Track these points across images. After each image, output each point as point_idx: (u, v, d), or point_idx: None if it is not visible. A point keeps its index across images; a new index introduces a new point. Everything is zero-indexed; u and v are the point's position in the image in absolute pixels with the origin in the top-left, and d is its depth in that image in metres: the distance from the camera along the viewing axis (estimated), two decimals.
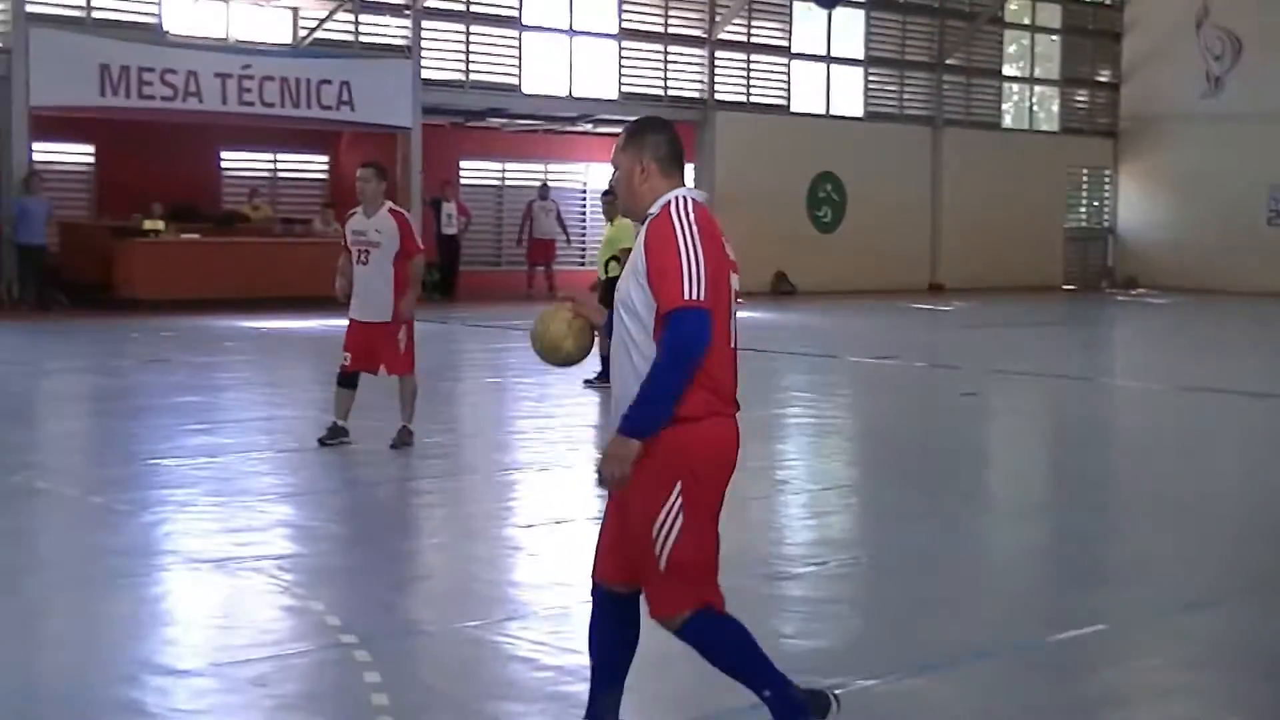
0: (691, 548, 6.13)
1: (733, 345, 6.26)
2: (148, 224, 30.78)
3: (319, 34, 33.97)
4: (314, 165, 38.24)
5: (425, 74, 35.49)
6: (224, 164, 36.00)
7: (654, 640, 6.56)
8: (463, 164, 38.51)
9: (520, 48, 37.30)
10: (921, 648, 8.41)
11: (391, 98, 34.52)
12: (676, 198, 6.19)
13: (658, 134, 6.34)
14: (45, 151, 31.68)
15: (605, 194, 19.95)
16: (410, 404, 14.24)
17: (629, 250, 6.58)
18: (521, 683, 7.65)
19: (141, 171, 31.66)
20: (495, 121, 38.58)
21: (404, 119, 34.75)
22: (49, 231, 30.52)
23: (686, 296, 5.91)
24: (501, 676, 7.79)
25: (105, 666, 7.88)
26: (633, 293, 6.09)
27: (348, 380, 14.19)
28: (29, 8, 30.42)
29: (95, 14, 31.52)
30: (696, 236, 6.02)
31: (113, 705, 7.22)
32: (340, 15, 34.04)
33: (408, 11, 35.36)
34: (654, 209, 6.20)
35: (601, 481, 6.15)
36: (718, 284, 6.04)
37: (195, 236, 31.12)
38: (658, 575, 6.14)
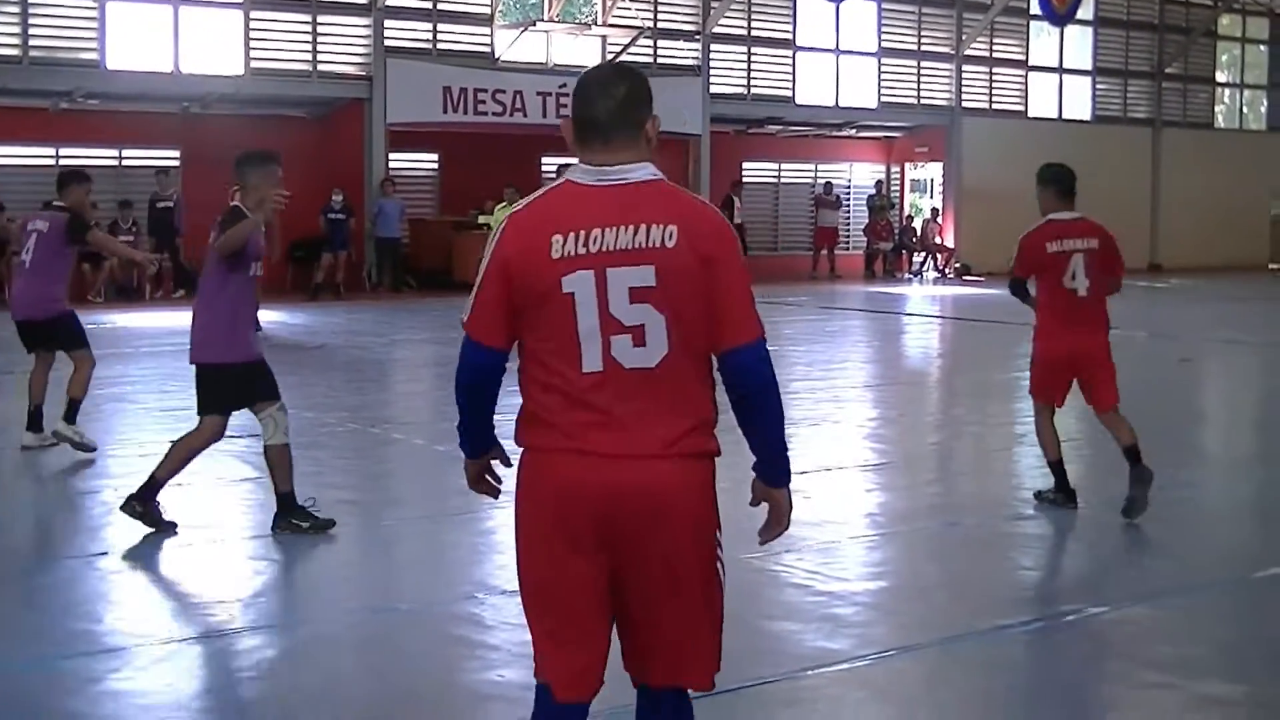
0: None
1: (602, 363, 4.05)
2: (482, 219, 31.32)
3: (623, 57, 34.20)
4: None
5: (713, 89, 35.55)
6: (544, 168, 36.38)
7: None
8: (745, 165, 38.44)
9: (794, 65, 37.16)
10: (1143, 581, 8.24)
11: (684, 110, 34.62)
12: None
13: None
14: (399, 160, 32.37)
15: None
16: None
17: None
18: (798, 605, 7.65)
19: (476, 175, 32.16)
20: (772, 128, 38.48)
21: (695, 128, 34.84)
22: (402, 227, 31.32)
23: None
24: (780, 599, 7.78)
25: (449, 586, 8.03)
26: None
27: None
28: (386, 42, 31.17)
29: (440, 45, 32.15)
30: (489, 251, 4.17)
31: (456, 618, 7.34)
32: (641, 41, 34.24)
33: (698, 36, 35.45)
34: None
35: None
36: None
37: None
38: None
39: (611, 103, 4.11)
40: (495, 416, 4.36)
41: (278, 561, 8.51)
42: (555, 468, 4.06)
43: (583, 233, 4.01)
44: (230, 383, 9.04)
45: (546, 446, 4.08)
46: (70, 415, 11.93)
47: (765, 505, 4.32)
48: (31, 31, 28.05)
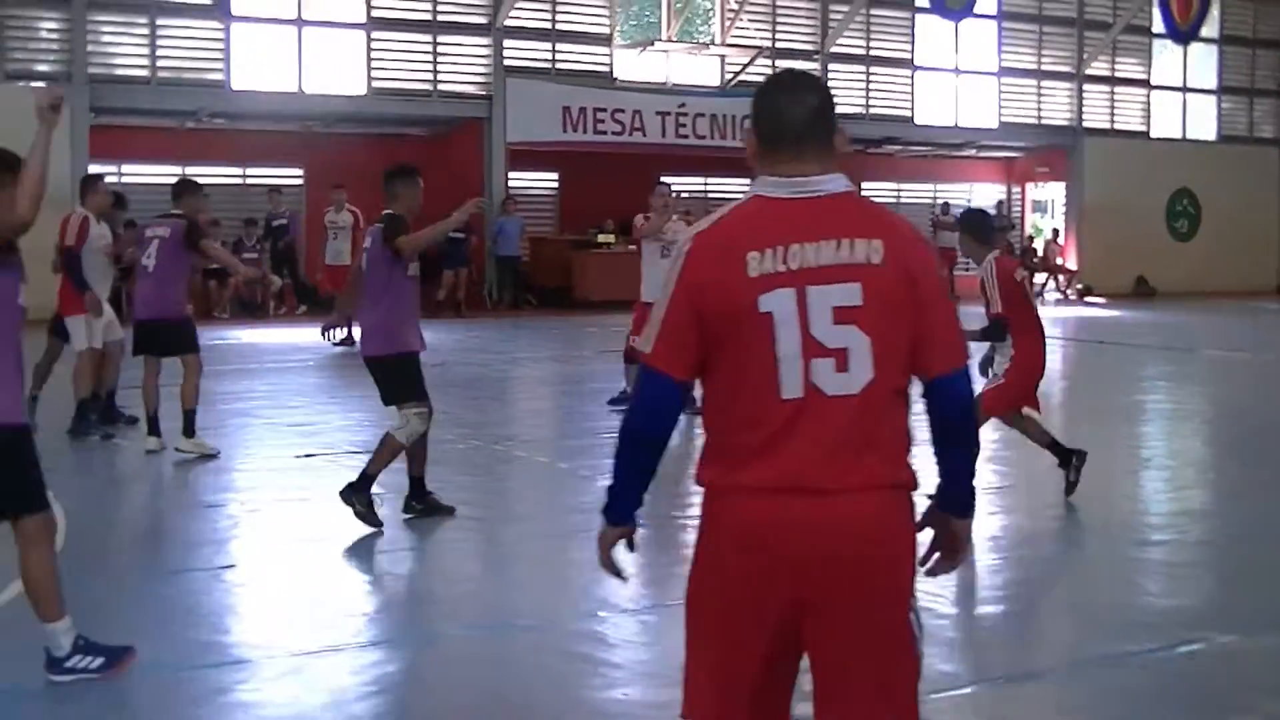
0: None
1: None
2: (600, 238, 31.47)
3: (742, 77, 34.24)
4: (738, 188, 38.40)
5: None
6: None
7: None
8: (864, 186, 38.26)
9: (913, 84, 37.02)
10: (1273, 608, 8.08)
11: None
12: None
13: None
14: (518, 179, 32.59)
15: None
16: None
17: None
18: None
19: (595, 194, 32.29)
20: (891, 149, 38.33)
21: None
22: (522, 245, 31.53)
23: None
24: None
25: (571, 604, 8.04)
26: None
27: None
28: (506, 62, 31.43)
29: (559, 65, 32.38)
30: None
31: (578, 635, 7.35)
32: (759, 61, 34.26)
33: (816, 56, 35.39)
34: None
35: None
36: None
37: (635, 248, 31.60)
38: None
39: (805, 110, 3.84)
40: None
41: (401, 576, 8.59)
42: (744, 508, 3.74)
43: (781, 248, 3.69)
44: (414, 370, 9.69)
45: (734, 485, 3.76)
46: (189, 428, 12.36)
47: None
48: (159, 53, 28.56)
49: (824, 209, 3.77)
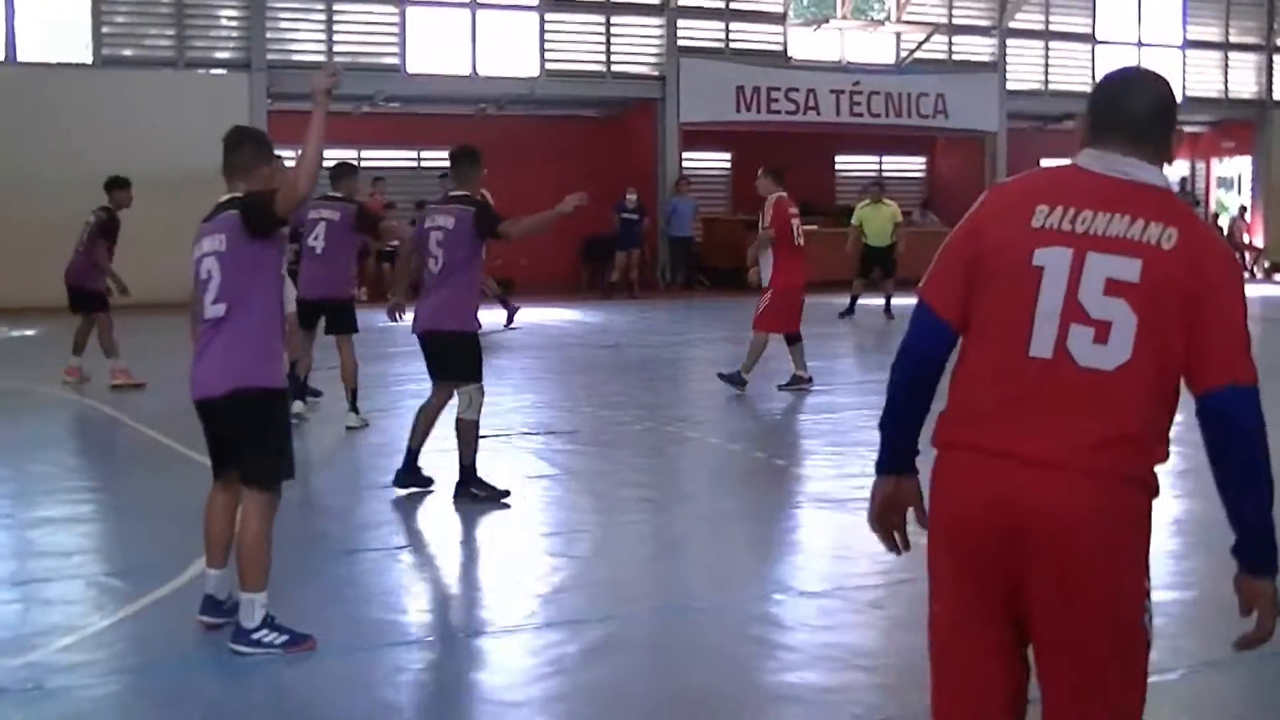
0: None
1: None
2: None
3: (918, 54, 33.92)
4: (913, 166, 38.19)
5: (1010, 85, 35.00)
6: (838, 166, 36.36)
7: None
8: (1043, 163, 37.65)
9: (1093, 59, 36.35)
10: None
11: (980, 106, 34.20)
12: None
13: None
14: (691, 159, 32.64)
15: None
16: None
17: None
18: None
19: None
20: (1071, 125, 37.69)
21: (991, 124, 34.40)
22: (695, 226, 31.55)
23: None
24: None
25: (746, 585, 8.03)
26: None
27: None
28: (679, 42, 31.43)
29: (732, 44, 32.31)
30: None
31: (753, 617, 7.33)
32: (936, 37, 33.92)
33: (994, 32, 34.93)
34: None
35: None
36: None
37: (814, 228, 31.45)
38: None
39: (1148, 102, 3.72)
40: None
41: (575, 558, 8.62)
42: (963, 466, 3.62)
43: (1072, 210, 3.60)
44: (479, 348, 10.08)
45: (960, 442, 3.63)
46: (354, 403, 13.05)
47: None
48: (336, 38, 29.00)
49: (1130, 190, 3.63)
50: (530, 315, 23.81)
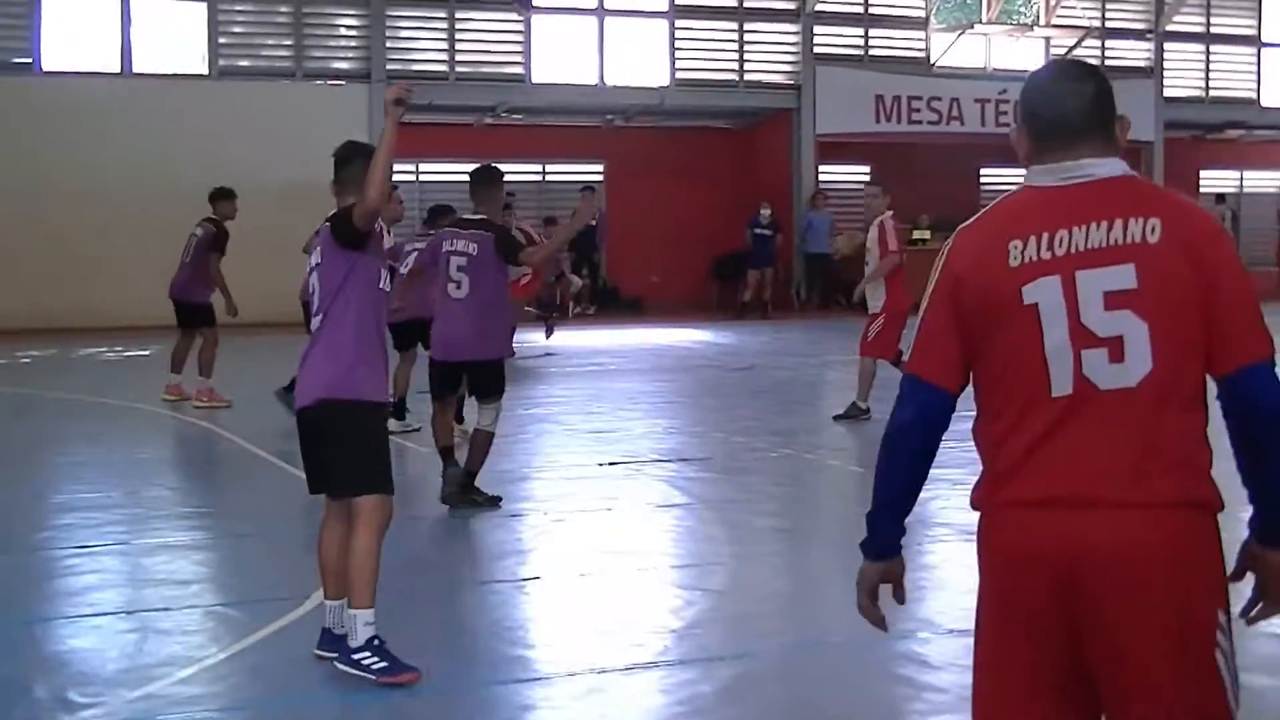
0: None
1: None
2: (915, 234, 31.13)
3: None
4: None
5: (1167, 92, 34.61)
6: (983, 180, 36.06)
7: None
8: (1203, 174, 37.23)
9: (1259, 63, 35.85)
10: None
11: (1135, 115, 33.42)
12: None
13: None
14: (828, 172, 32.53)
15: None
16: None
17: None
18: (1274, 658, 7.30)
19: (909, 187, 31.89)
20: (1233, 133, 37.17)
21: (1147, 134, 33.97)
22: (831, 242, 31.41)
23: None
24: (1257, 650, 7.44)
25: (889, 621, 7.93)
26: None
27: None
28: (815, 49, 31.39)
29: (871, 51, 32.23)
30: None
31: (896, 655, 7.22)
32: (1088, 42, 33.59)
33: (1150, 35, 34.56)
34: None
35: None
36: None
37: None
38: None
39: (1082, 101, 3.66)
40: None
41: (708, 591, 8.59)
42: (1011, 526, 3.55)
43: (1045, 235, 3.52)
44: (502, 372, 10.74)
45: (1002, 500, 3.57)
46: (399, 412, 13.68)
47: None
48: (458, 49, 29.27)
49: (1095, 192, 3.57)
50: (659, 336, 23.84)
